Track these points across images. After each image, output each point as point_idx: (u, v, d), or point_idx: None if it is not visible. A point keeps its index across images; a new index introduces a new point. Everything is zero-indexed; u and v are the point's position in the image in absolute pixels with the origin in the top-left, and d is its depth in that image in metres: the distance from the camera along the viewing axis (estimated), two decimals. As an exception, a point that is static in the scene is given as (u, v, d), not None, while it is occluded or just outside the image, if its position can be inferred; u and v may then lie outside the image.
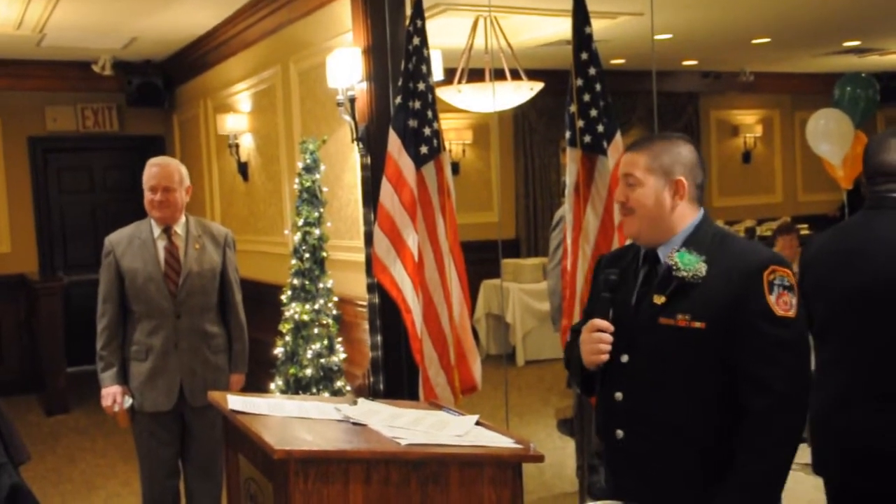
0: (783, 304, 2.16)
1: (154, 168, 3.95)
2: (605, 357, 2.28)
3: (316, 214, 4.71)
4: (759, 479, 2.13)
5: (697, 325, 2.18)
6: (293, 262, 4.73)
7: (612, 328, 2.29)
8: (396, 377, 4.82)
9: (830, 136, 7.48)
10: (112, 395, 3.92)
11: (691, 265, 2.21)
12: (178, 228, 4.01)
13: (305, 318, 4.63)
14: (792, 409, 2.15)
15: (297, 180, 4.76)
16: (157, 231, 3.98)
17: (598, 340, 2.28)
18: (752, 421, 2.14)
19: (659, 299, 2.25)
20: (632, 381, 2.28)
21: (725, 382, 2.19)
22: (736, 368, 2.17)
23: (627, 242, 2.54)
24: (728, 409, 2.19)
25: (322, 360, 4.62)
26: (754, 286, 2.16)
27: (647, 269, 2.34)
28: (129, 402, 3.93)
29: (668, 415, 2.23)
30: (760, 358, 2.15)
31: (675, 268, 2.22)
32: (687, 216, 2.31)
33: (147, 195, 3.94)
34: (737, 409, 2.18)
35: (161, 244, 3.97)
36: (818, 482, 2.91)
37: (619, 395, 2.30)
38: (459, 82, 6.35)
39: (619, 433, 2.31)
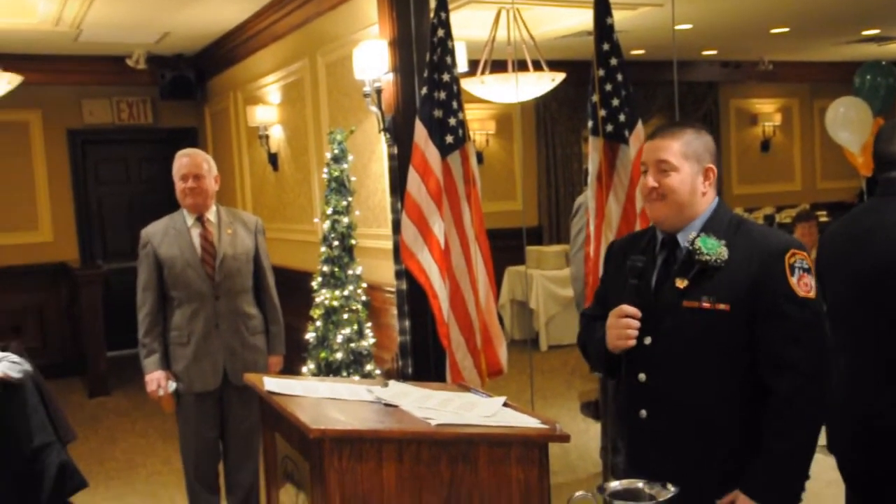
0: (804, 285, 2.21)
1: (184, 158, 4.09)
2: (633, 342, 2.31)
3: (344, 203, 4.76)
4: (785, 458, 2.19)
5: (722, 307, 2.22)
6: (322, 249, 4.78)
7: (639, 314, 2.31)
8: (424, 361, 4.90)
9: (850, 124, 7.51)
10: (156, 380, 4.04)
11: (714, 249, 2.25)
12: (210, 216, 4.13)
13: (335, 303, 4.69)
14: (815, 388, 2.20)
15: (325, 170, 4.82)
16: (190, 220, 4.11)
17: (627, 326, 2.31)
18: (777, 401, 2.19)
19: (681, 283, 2.28)
20: (655, 363, 2.32)
21: (747, 363, 2.24)
22: (759, 349, 2.22)
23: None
24: (749, 388, 2.25)
25: (352, 345, 4.69)
26: (777, 269, 2.21)
27: (666, 254, 2.37)
28: (172, 386, 4.05)
29: (691, 394, 2.28)
30: (784, 338, 2.20)
31: (698, 252, 2.26)
32: (708, 202, 2.36)
33: (178, 185, 4.06)
34: (758, 388, 2.23)
35: (195, 232, 4.10)
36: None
37: (642, 377, 2.34)
38: (483, 73, 6.41)
39: (643, 413, 2.35)
